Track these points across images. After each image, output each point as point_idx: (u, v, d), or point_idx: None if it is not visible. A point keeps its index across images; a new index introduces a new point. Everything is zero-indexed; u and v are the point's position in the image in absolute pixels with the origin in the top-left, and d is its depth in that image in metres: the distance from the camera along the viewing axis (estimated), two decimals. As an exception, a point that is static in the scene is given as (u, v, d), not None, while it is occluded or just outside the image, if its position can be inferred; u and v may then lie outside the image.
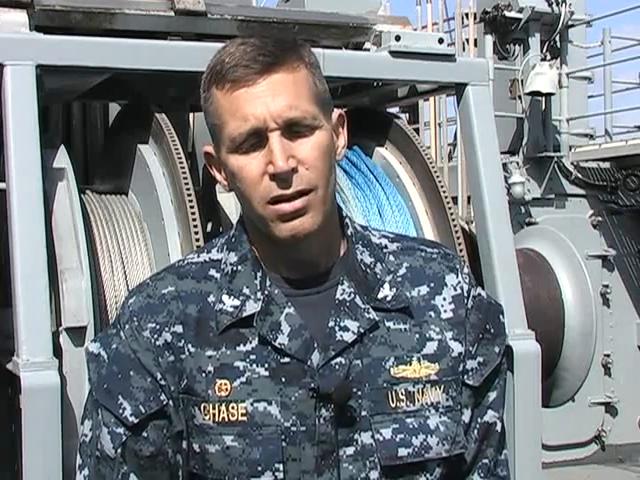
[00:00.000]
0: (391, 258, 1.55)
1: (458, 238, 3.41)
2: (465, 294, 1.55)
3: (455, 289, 1.55)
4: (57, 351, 2.68)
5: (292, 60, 1.44)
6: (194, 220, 2.98)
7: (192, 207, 2.99)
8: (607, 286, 9.10)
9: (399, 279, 1.53)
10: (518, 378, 3.02)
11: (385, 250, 1.56)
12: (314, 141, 1.43)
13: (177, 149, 3.09)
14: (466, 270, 1.59)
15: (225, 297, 1.49)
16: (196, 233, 2.97)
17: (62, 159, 3.03)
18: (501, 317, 1.61)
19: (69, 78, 3.12)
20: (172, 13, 3.18)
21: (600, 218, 9.21)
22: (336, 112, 1.52)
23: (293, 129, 1.42)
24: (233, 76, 1.41)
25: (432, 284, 1.54)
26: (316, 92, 1.45)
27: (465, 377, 1.53)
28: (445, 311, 1.53)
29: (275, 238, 1.45)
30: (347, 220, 1.56)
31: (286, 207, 1.42)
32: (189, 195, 3.01)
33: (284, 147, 1.40)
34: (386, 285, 1.51)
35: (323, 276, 1.50)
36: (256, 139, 1.42)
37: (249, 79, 1.41)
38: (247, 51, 1.42)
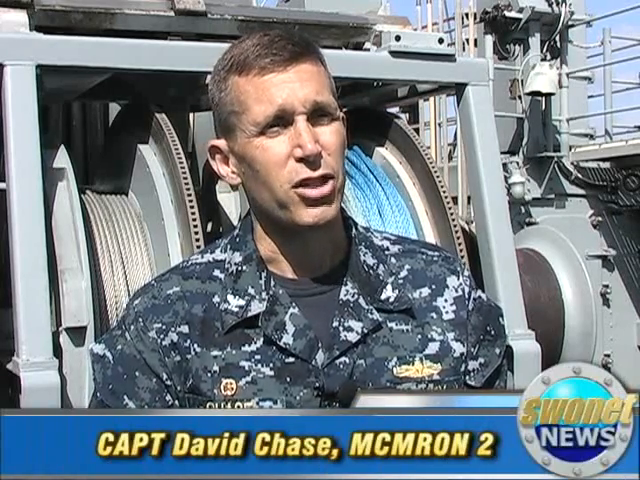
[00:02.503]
0: (393, 260, 1.55)
1: (458, 238, 3.41)
2: (466, 296, 1.55)
3: (456, 291, 1.55)
4: (57, 351, 2.68)
5: (314, 54, 1.46)
6: (194, 220, 2.98)
7: (192, 207, 2.99)
8: (607, 286, 9.07)
9: (401, 281, 1.53)
10: (518, 378, 3.02)
11: (387, 252, 1.56)
12: (333, 128, 1.44)
13: (177, 149, 3.09)
14: (467, 273, 1.59)
15: (230, 297, 1.48)
16: (196, 233, 2.97)
17: (62, 159, 3.03)
18: (501, 319, 1.61)
19: (69, 78, 3.12)
20: (172, 13, 3.18)
21: (600, 218, 9.19)
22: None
23: (317, 115, 1.42)
24: (262, 62, 1.41)
25: (433, 286, 1.54)
26: (332, 86, 1.48)
27: (467, 378, 1.53)
28: (447, 312, 1.53)
29: (294, 225, 1.43)
30: (350, 221, 1.56)
31: (312, 192, 1.41)
32: (189, 195, 3.01)
33: (311, 130, 1.41)
34: (389, 286, 1.51)
35: (327, 277, 1.50)
36: (280, 123, 1.41)
37: (279, 65, 1.41)
38: (274, 40, 1.42)
